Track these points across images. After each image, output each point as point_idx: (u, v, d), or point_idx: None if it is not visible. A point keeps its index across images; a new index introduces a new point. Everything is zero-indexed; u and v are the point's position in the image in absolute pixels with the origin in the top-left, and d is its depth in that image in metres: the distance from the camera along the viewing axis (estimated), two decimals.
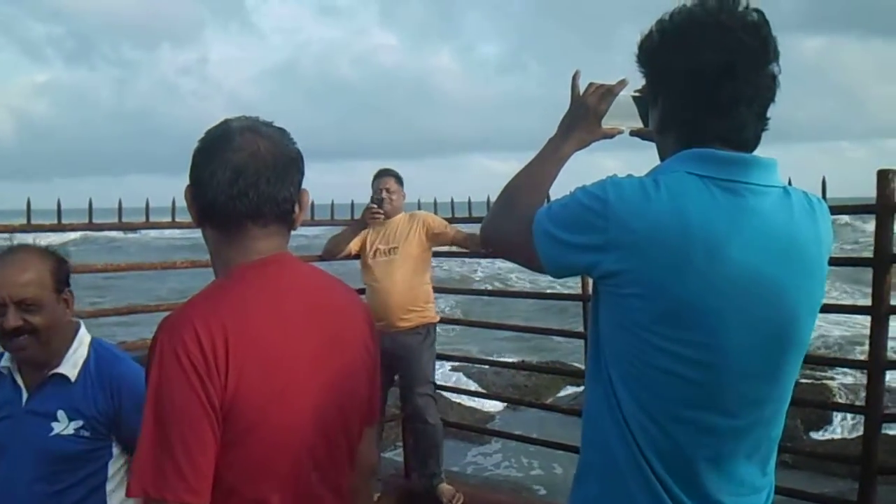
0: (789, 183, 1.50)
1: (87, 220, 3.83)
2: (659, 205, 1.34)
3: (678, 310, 1.34)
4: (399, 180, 4.72)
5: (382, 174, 4.71)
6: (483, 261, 21.53)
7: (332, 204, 4.83)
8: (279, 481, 1.39)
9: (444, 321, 4.92)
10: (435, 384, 4.67)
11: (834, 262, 3.59)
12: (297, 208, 1.51)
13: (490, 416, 8.75)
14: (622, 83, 1.65)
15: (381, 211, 4.57)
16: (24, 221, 3.63)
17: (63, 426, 2.00)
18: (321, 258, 4.65)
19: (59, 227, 3.73)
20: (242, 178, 1.41)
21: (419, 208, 4.92)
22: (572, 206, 1.42)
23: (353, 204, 4.84)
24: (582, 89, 1.69)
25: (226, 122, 1.49)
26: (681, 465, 1.40)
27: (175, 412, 1.29)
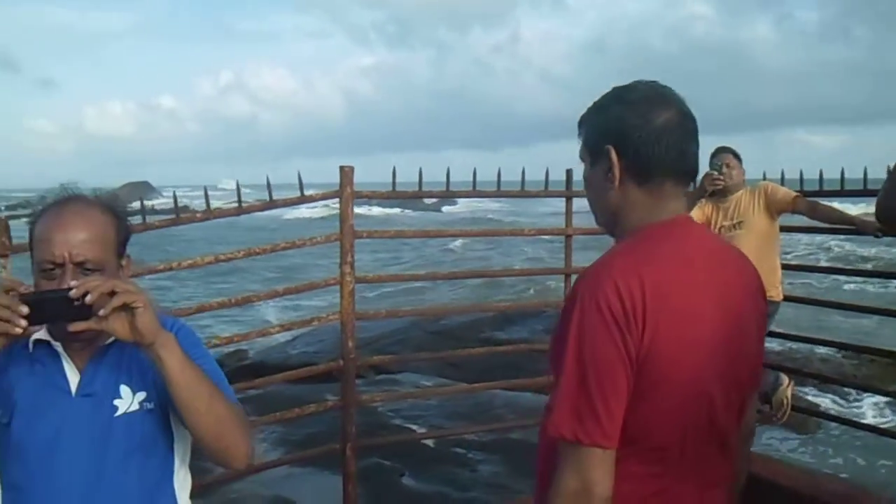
0: None
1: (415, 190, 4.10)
2: None
3: None
4: (737, 156, 4.67)
5: (721, 150, 4.70)
6: (818, 237, 20.15)
7: None
8: (677, 435, 1.44)
9: (789, 299, 4.71)
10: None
11: None
12: None
13: (815, 405, 8.24)
14: None
15: (721, 178, 4.51)
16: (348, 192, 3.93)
17: (127, 403, 1.70)
18: None
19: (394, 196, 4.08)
20: (669, 136, 1.48)
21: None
22: None
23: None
24: None
25: (639, 82, 1.56)
26: None
27: (595, 360, 1.37)
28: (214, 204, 3.50)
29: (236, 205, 3.48)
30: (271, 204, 3.57)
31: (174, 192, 3.77)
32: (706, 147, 5.23)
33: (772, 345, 8.68)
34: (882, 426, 7.34)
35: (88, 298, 1.50)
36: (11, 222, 2.94)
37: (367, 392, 5.41)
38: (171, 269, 3.41)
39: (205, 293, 20.63)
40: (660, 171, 1.49)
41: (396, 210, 54.74)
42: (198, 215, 3.44)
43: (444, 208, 60.47)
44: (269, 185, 3.60)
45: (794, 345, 8.96)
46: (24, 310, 1.48)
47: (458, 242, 30.41)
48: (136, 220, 3.30)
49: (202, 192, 3.69)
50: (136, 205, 3.22)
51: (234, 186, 3.78)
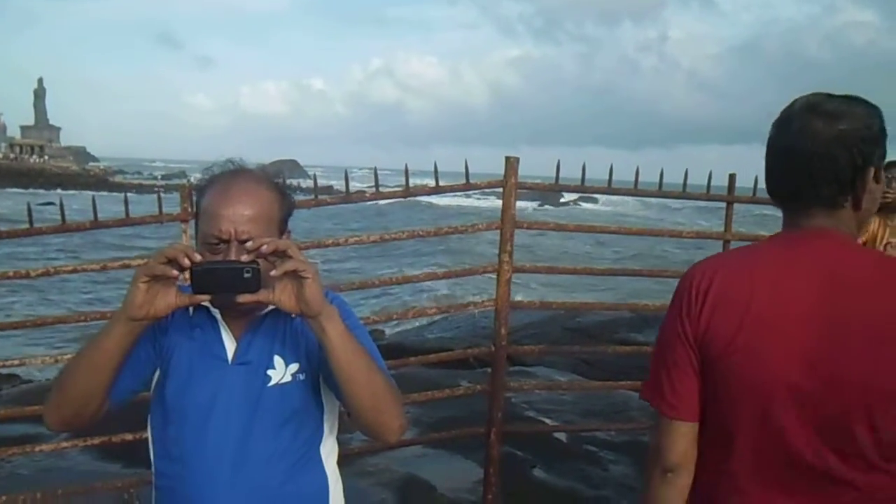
0: None
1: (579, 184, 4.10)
2: None
3: None
4: None
5: (892, 165, 4.41)
6: None
7: None
8: (747, 416, 1.49)
9: None
10: None
11: None
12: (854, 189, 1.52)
13: None
14: None
15: (891, 191, 4.29)
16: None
17: (280, 374, 1.72)
18: None
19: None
20: (770, 158, 1.60)
21: None
22: None
23: None
24: None
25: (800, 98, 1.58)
26: None
27: (662, 338, 1.61)
28: (355, 186, 3.61)
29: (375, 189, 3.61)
30: (437, 189, 3.67)
31: (314, 175, 3.90)
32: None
33: None
34: None
35: (265, 248, 1.52)
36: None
37: (510, 381, 5.47)
38: (337, 244, 3.57)
39: (340, 272, 21.26)
40: (770, 191, 1.62)
41: (534, 204, 54.59)
42: (368, 195, 3.58)
43: (584, 205, 60.04)
44: (436, 170, 3.69)
45: None
46: (187, 262, 1.51)
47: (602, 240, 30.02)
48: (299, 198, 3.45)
49: (342, 174, 3.79)
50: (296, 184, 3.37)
51: (371, 170, 3.87)
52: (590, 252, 28.60)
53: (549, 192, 4.27)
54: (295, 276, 1.54)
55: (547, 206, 55.67)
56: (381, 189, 3.80)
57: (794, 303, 1.46)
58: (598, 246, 28.96)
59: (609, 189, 4.00)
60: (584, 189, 4.03)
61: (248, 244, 1.55)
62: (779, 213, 1.61)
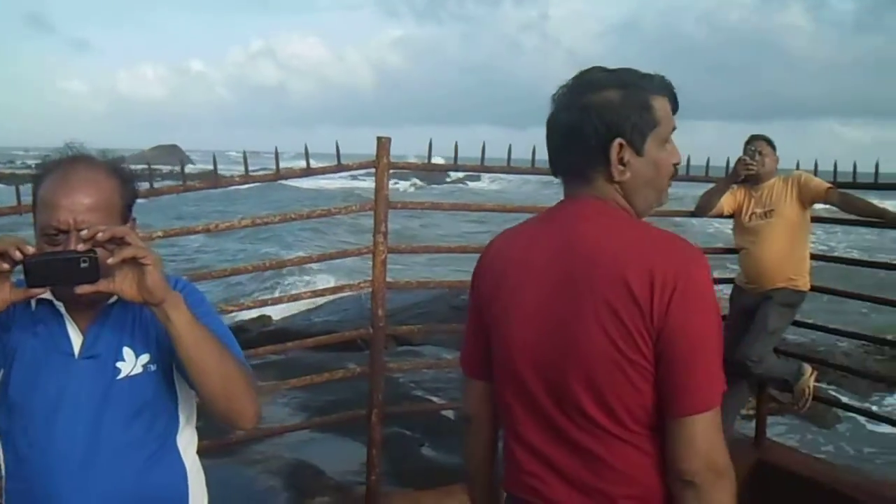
0: None
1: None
2: None
3: None
4: (771, 144, 4.63)
5: (755, 138, 4.66)
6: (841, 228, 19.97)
7: (708, 162, 4.79)
8: (512, 387, 1.58)
9: (816, 289, 4.70)
10: (776, 336, 4.53)
11: None
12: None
13: (836, 400, 8.25)
14: None
15: (754, 164, 4.50)
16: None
17: (130, 366, 1.67)
18: (693, 214, 4.76)
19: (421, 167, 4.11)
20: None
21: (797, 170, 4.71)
22: None
23: (728, 162, 4.75)
24: None
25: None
26: None
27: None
28: (231, 170, 3.53)
29: (262, 172, 3.54)
30: (309, 171, 3.62)
31: (181, 161, 3.79)
32: (739, 135, 5.19)
33: (794, 337, 8.69)
34: None
35: (101, 236, 1.48)
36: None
37: (392, 362, 5.48)
38: (208, 230, 3.47)
39: (217, 259, 20.83)
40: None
41: (421, 184, 54.81)
42: (236, 178, 3.50)
43: (471, 184, 60.53)
44: (307, 153, 3.63)
45: (816, 336, 8.93)
46: (19, 255, 1.45)
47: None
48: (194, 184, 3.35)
49: (225, 158, 3.71)
50: (169, 169, 3.27)
51: (254, 153, 3.79)
52: (471, 231, 28.88)
53: (427, 171, 4.27)
54: (135, 263, 1.49)
55: (433, 186, 55.91)
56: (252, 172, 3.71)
57: (535, 270, 1.53)
58: (480, 223, 29.26)
59: (482, 168, 4.03)
60: (458, 167, 4.06)
61: (83, 233, 1.50)
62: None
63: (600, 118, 1.48)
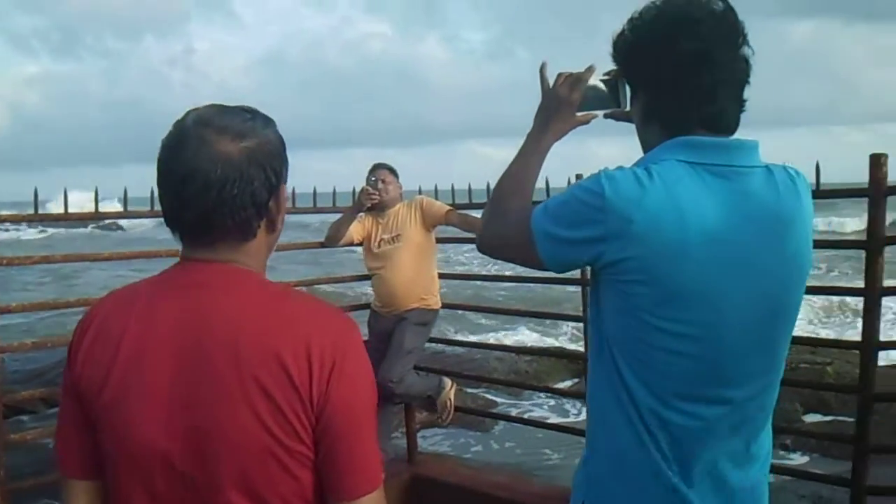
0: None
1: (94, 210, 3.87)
2: (654, 194, 1.39)
3: (678, 293, 1.41)
4: (394, 172, 4.82)
5: (377, 167, 4.81)
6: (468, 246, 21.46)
7: (334, 191, 4.89)
8: (138, 485, 1.28)
9: (447, 306, 4.98)
10: (413, 355, 4.67)
11: (828, 245, 3.69)
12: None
13: (493, 403, 8.85)
14: (590, 70, 1.68)
15: (377, 192, 4.66)
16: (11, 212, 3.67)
17: None
18: (323, 245, 4.81)
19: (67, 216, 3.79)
20: None
21: (420, 194, 4.95)
22: (570, 202, 1.47)
23: (353, 191, 4.87)
24: (551, 81, 1.72)
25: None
26: (685, 440, 1.47)
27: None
28: None
29: None
30: None
31: None
32: (390, 160, 5.37)
33: (451, 349, 9.24)
34: (552, 420, 8.11)
35: None
36: None
37: (31, 429, 4.86)
38: None
39: None
40: (168, 221, 1.37)
41: (62, 231, 46.93)
42: None
43: (126, 224, 54.99)
44: None
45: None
46: None
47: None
48: None
49: None
50: None
51: None
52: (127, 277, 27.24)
53: (32, 220, 3.88)
54: None
55: (81, 230, 49.22)
56: None
57: (160, 342, 1.26)
58: (137, 272, 27.57)
59: (96, 214, 3.76)
60: (69, 216, 3.77)
61: None
62: None
63: (270, 166, 1.32)
